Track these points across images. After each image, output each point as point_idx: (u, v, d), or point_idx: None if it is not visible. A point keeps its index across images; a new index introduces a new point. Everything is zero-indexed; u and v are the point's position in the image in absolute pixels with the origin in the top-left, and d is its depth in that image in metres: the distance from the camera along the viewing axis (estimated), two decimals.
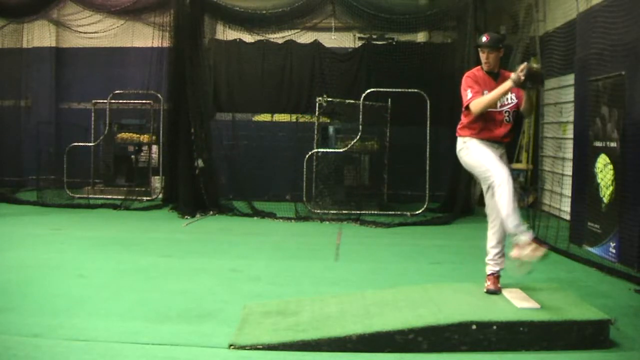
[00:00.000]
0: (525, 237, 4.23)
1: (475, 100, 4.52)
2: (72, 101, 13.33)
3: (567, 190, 8.56)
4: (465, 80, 4.68)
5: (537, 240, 4.29)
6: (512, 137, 4.90)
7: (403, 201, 11.30)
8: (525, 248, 4.20)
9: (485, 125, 4.60)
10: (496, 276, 4.66)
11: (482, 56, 4.70)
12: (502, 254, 4.67)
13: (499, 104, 4.59)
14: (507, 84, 4.40)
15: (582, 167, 7.52)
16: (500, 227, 4.62)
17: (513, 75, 4.37)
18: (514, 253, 4.29)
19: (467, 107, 4.59)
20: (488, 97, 4.51)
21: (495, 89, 4.52)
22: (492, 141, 4.62)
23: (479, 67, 4.78)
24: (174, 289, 5.48)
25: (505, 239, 4.67)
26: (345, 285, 5.65)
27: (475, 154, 4.59)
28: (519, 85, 4.37)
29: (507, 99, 4.61)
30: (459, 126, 4.78)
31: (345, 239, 8.29)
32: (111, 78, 12.53)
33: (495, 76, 4.66)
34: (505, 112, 4.63)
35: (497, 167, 4.45)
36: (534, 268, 4.35)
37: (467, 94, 4.59)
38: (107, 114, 12.17)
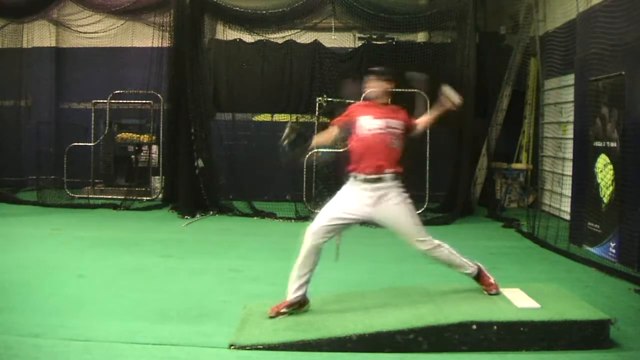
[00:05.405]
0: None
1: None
2: (72, 101, 13.32)
3: (567, 190, 8.55)
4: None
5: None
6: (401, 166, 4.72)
7: None
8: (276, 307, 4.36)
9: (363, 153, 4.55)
10: (483, 275, 4.65)
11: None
12: (464, 263, 4.68)
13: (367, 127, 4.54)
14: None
15: (582, 167, 7.52)
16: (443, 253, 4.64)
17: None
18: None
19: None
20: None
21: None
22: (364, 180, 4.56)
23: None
24: (174, 289, 5.49)
25: (455, 256, 4.67)
26: (345, 285, 5.64)
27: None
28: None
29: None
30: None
31: (345, 239, 8.22)
32: (111, 78, 12.51)
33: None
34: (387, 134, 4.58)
35: (321, 227, 4.55)
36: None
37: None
38: (107, 114, 12.18)
